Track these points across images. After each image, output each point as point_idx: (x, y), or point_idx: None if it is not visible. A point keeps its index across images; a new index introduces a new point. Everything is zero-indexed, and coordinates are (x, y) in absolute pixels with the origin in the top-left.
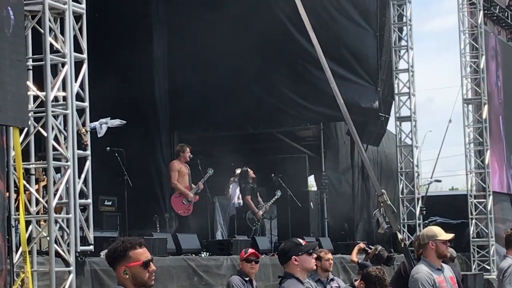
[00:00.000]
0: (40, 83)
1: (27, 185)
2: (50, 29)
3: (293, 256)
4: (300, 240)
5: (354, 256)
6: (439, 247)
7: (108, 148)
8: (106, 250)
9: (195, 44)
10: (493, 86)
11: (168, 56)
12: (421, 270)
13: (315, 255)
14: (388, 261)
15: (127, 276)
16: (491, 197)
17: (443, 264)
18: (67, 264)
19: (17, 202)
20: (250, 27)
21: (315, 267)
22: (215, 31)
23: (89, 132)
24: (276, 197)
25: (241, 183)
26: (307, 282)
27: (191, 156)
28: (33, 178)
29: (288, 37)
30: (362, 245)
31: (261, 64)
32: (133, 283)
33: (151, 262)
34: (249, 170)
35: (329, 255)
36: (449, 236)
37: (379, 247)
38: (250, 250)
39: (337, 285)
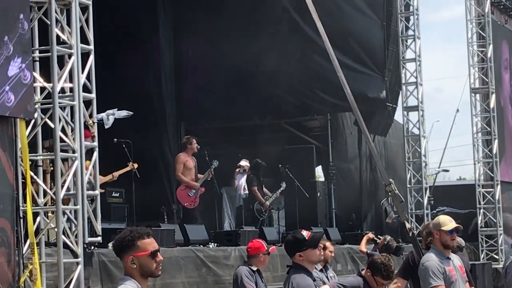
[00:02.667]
0: (47, 75)
1: (34, 177)
2: (57, 21)
3: (297, 253)
4: (304, 234)
5: (363, 246)
6: (442, 236)
7: (116, 139)
8: (114, 240)
9: (201, 36)
10: (507, 98)
11: (175, 48)
12: (431, 258)
13: (321, 245)
14: (397, 251)
15: (135, 266)
16: (499, 186)
17: (452, 254)
18: (75, 255)
19: (25, 193)
20: (257, 18)
21: (322, 257)
22: (221, 23)
23: (96, 124)
24: (281, 188)
25: (250, 174)
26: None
27: (198, 147)
28: (40, 169)
29: (295, 28)
30: (371, 235)
31: (267, 55)
32: (140, 273)
33: (158, 252)
34: (262, 163)
35: (332, 247)
36: (453, 225)
37: (388, 237)
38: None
39: (332, 274)
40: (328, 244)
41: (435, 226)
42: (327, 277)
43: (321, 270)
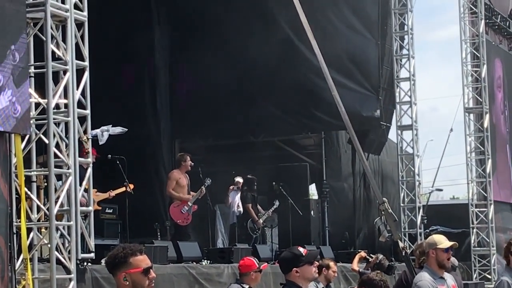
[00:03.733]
0: (41, 90)
1: (28, 192)
2: (52, 37)
3: (294, 268)
4: (301, 250)
5: (355, 264)
6: (439, 255)
7: (110, 156)
8: (106, 256)
9: (196, 54)
10: (499, 115)
11: (170, 65)
12: (424, 278)
13: (316, 263)
14: (389, 270)
15: (127, 283)
16: (492, 206)
17: (446, 273)
18: (68, 271)
19: (18, 209)
20: (252, 36)
21: (317, 275)
22: (217, 41)
23: (90, 140)
24: (274, 206)
25: (243, 191)
26: (313, 286)
27: (192, 164)
28: (34, 185)
29: (290, 46)
30: (363, 253)
31: (262, 73)
32: None
33: (151, 269)
34: (254, 178)
35: (335, 267)
36: (449, 243)
37: (380, 256)
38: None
39: None
40: (331, 263)
41: (430, 245)
42: None
43: None
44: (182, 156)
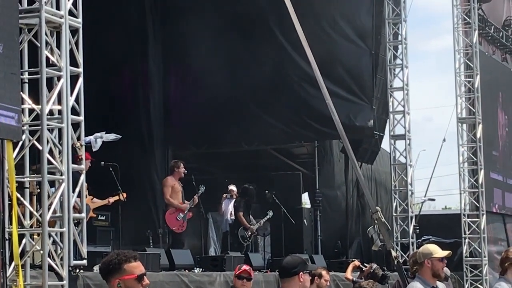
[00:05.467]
0: (35, 96)
1: (21, 198)
2: (46, 43)
3: (301, 273)
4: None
5: (349, 274)
6: (434, 265)
7: (103, 162)
8: (100, 263)
9: (190, 61)
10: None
11: (163, 72)
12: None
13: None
14: (382, 279)
15: None
16: (484, 216)
17: (438, 283)
18: (60, 278)
19: (10, 215)
20: (247, 45)
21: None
22: (210, 48)
23: (84, 146)
24: (268, 216)
25: (238, 199)
26: None
27: (186, 172)
28: (27, 191)
29: (284, 55)
30: (357, 262)
31: (256, 82)
32: None
33: (145, 276)
34: (252, 188)
35: (328, 276)
36: (445, 253)
37: (374, 265)
38: (244, 267)
39: None
40: (324, 272)
41: (425, 255)
42: None
43: None
44: (176, 163)
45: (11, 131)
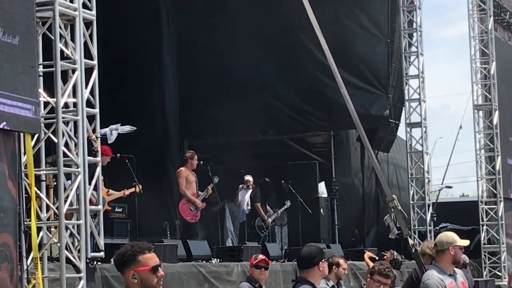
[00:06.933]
0: (50, 90)
1: (38, 191)
2: (61, 36)
3: (320, 262)
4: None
5: (369, 262)
6: (457, 253)
7: (118, 154)
8: (115, 255)
9: (205, 52)
10: None
11: (178, 63)
12: (432, 276)
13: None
14: (400, 265)
15: (136, 281)
16: (502, 203)
17: (456, 269)
18: (77, 270)
19: (28, 208)
20: (261, 35)
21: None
22: (225, 39)
23: (99, 139)
24: (285, 206)
25: (256, 190)
26: (324, 287)
27: (201, 162)
28: (43, 184)
29: (299, 45)
30: (368, 253)
31: (271, 72)
32: None
33: (159, 267)
34: (269, 181)
35: (346, 264)
36: (466, 242)
37: (395, 252)
38: (260, 257)
39: None
40: (341, 261)
41: (449, 243)
42: None
43: (332, 287)
44: (189, 154)
45: (29, 123)
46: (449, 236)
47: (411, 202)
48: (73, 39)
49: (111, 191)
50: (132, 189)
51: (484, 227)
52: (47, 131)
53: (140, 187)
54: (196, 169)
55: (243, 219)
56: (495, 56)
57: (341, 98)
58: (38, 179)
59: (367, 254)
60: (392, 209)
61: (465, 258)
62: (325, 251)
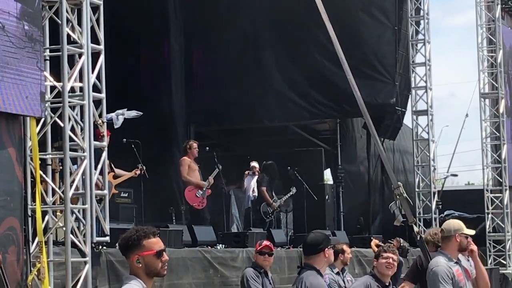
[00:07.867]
0: (57, 74)
1: (44, 175)
2: (67, 20)
3: (326, 249)
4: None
5: (376, 250)
6: (463, 240)
7: (125, 139)
8: (120, 239)
9: (211, 38)
10: None
11: (185, 49)
12: (440, 263)
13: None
14: (406, 253)
15: (140, 265)
16: (507, 191)
17: (461, 257)
18: (83, 254)
19: (34, 192)
20: (269, 22)
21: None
22: (232, 25)
23: (105, 123)
24: (291, 193)
25: (262, 175)
26: (329, 274)
27: (207, 148)
28: (49, 168)
29: (306, 32)
30: (375, 241)
31: (278, 59)
32: (146, 272)
33: (164, 252)
34: (273, 163)
35: (349, 250)
36: (472, 232)
37: (402, 240)
38: (264, 243)
39: (350, 278)
40: (345, 247)
41: (456, 231)
42: (343, 280)
43: (337, 273)
44: (188, 143)
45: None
46: (457, 223)
47: (417, 189)
48: (80, 23)
49: (120, 171)
50: (137, 171)
51: (490, 216)
52: (53, 115)
53: (144, 168)
54: (201, 156)
55: (249, 205)
56: (502, 44)
57: (349, 87)
58: (44, 163)
59: (374, 242)
60: (398, 196)
61: None
62: (331, 239)
